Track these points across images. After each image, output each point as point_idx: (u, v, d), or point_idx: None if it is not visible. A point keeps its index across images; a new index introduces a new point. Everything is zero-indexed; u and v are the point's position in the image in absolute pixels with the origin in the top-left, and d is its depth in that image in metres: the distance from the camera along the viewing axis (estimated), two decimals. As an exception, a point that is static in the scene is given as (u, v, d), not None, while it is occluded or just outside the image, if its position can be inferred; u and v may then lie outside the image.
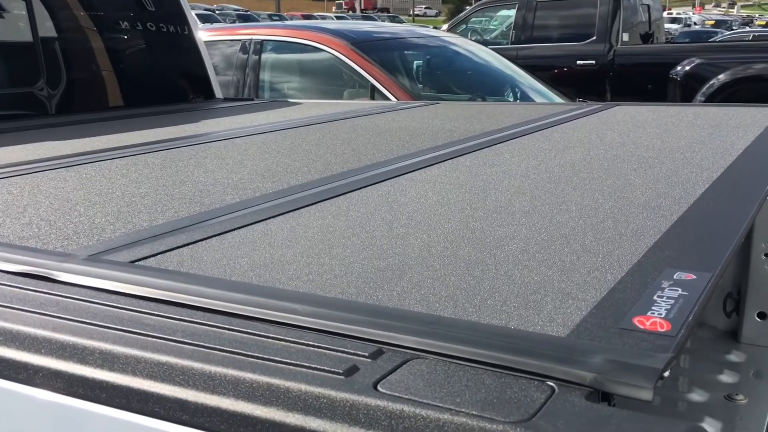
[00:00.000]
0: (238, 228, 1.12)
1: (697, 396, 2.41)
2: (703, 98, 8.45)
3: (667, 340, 0.68)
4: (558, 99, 5.64)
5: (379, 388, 0.62)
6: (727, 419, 2.23)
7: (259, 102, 3.48)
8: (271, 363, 0.66)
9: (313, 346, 0.69)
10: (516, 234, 1.06)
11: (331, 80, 5.48)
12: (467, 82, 5.84)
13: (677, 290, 0.81)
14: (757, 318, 2.63)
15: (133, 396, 0.67)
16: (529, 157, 1.68)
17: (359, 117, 2.62)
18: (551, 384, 0.62)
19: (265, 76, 5.58)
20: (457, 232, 1.08)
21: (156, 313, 0.78)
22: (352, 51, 5.25)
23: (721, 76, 8.81)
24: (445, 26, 13.21)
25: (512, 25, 10.72)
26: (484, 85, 5.87)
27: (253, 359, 0.67)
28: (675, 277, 0.85)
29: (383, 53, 5.44)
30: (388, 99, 4.68)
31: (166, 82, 3.43)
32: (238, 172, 1.58)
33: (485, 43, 11.63)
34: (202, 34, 5.99)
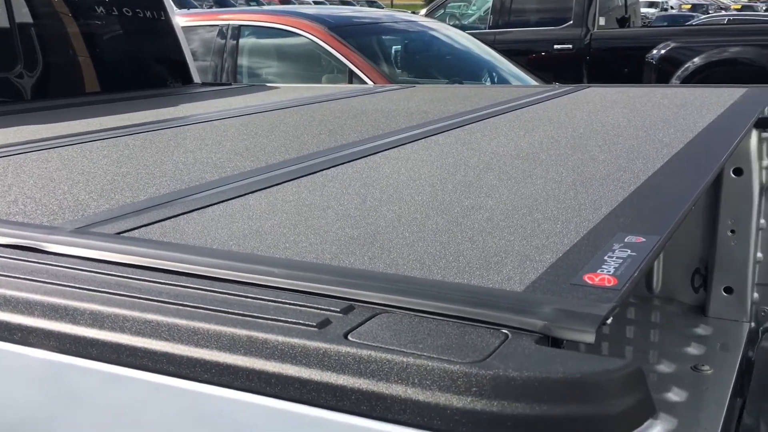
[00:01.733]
0: (218, 203, 1.17)
1: (665, 367, 2.50)
2: (678, 81, 8.57)
3: (612, 292, 0.74)
4: (534, 83, 5.71)
5: (349, 337, 0.67)
6: (692, 389, 2.33)
7: (236, 86, 3.51)
8: (250, 318, 0.72)
9: (289, 304, 0.74)
10: (482, 205, 1.12)
11: (309, 65, 5.51)
12: (444, 66, 5.89)
13: (627, 251, 0.87)
14: (723, 293, 2.72)
15: (123, 351, 0.73)
16: (499, 136, 1.74)
17: (336, 100, 2.66)
18: (506, 332, 0.68)
19: (243, 61, 5.59)
20: (426, 204, 1.14)
21: (142, 278, 0.83)
22: (330, 36, 5.28)
23: (696, 60, 8.93)
24: (423, 11, 13.22)
25: (490, 9, 10.76)
26: (461, 70, 5.93)
27: (233, 316, 0.72)
28: (626, 240, 0.92)
29: (361, 38, 5.47)
30: (365, 83, 4.72)
31: (143, 67, 3.45)
32: (217, 152, 1.63)
33: (463, 28, 11.65)
34: (179, 19, 5.99)
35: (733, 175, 2.63)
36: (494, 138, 1.71)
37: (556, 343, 0.67)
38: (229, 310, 0.73)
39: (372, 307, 0.74)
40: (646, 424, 0.60)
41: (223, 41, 5.61)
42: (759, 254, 2.65)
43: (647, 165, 1.34)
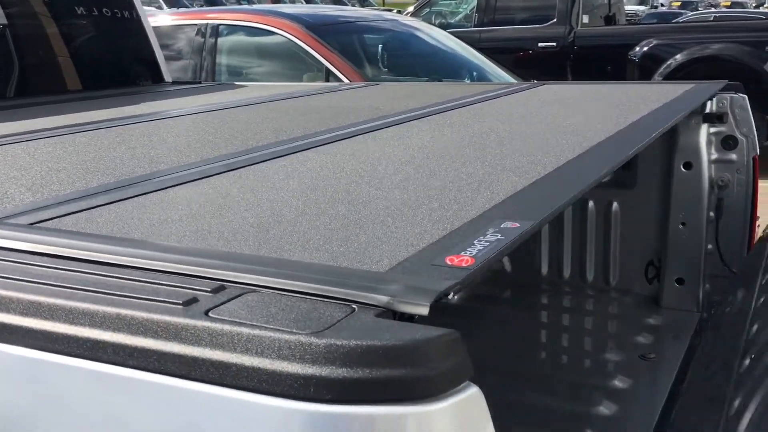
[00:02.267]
0: (138, 195, 1.23)
1: (614, 356, 2.57)
2: (660, 78, 8.63)
3: (462, 271, 0.80)
4: (512, 81, 5.77)
5: (210, 314, 0.73)
6: (638, 376, 2.40)
7: (205, 85, 3.56)
8: (124, 298, 0.77)
9: (165, 284, 0.80)
10: (386, 196, 1.18)
11: (286, 64, 5.55)
12: (422, 65, 5.94)
13: (497, 236, 0.93)
14: (675, 284, 2.79)
15: (5, 330, 0.79)
16: (433, 132, 1.80)
17: (295, 98, 2.72)
18: (354, 307, 0.74)
19: (222, 60, 5.64)
20: (335, 195, 1.20)
21: (32, 263, 0.89)
22: (307, 34, 5.33)
23: (679, 56, 8.98)
24: (411, 8, 13.24)
25: (475, 8, 10.81)
26: (439, 68, 5.98)
27: (109, 296, 0.78)
28: (502, 225, 0.98)
29: (338, 36, 5.52)
30: (342, 82, 4.78)
31: (112, 66, 3.50)
32: (157, 148, 1.68)
33: (449, 27, 11.70)
34: (164, 18, 6.04)
35: (683, 169, 2.70)
36: (426, 134, 1.77)
37: (403, 317, 0.73)
38: (106, 291, 0.79)
39: (242, 287, 0.80)
40: (462, 385, 0.66)
41: (203, 40, 5.66)
42: (709, 246, 2.72)
43: (558, 158, 1.40)
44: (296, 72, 5.47)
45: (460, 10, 12.74)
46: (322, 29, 5.42)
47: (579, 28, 9.92)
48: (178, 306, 0.75)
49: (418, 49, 6.17)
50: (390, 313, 0.73)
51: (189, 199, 1.20)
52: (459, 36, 9.75)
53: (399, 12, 12.07)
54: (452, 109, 2.24)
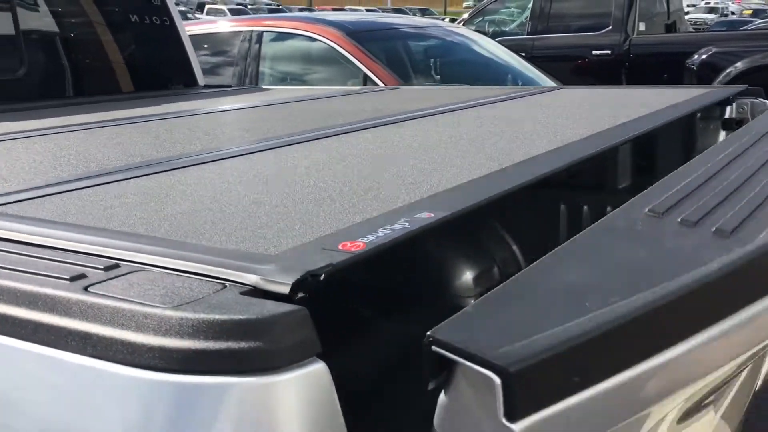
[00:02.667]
0: (105, 184, 1.28)
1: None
2: (718, 87, 8.39)
3: (343, 255, 0.82)
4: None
5: (89, 289, 0.77)
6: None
7: (234, 88, 3.65)
8: (20, 273, 0.82)
9: (62, 261, 0.84)
10: (326, 190, 1.20)
11: (327, 69, 5.63)
12: (462, 71, 5.93)
13: (405, 225, 0.94)
14: None
15: None
16: (415, 133, 1.81)
17: (306, 101, 2.77)
18: (226, 285, 0.76)
19: (265, 65, 5.75)
20: (277, 187, 1.22)
21: None
22: (346, 40, 5.39)
23: (739, 65, 8.71)
24: (465, 15, 13.18)
25: (529, 15, 10.70)
26: (479, 75, 5.96)
27: (6, 270, 0.83)
28: (416, 216, 0.98)
29: (378, 43, 5.56)
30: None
31: (146, 70, 3.62)
32: (141, 145, 1.75)
33: (503, 34, 11.61)
34: (223, 24, 6.19)
35: None
36: (408, 136, 1.79)
37: (270, 295, 0.75)
38: (6, 266, 0.83)
39: (133, 265, 0.83)
40: (308, 360, 0.68)
41: (248, 46, 5.79)
42: None
43: (520, 156, 1.40)
44: (336, 77, 5.54)
45: (515, 18, 12.64)
46: (361, 35, 5.48)
47: (635, 35, 9.71)
48: (65, 281, 0.79)
49: (459, 56, 6.17)
50: (259, 292, 0.75)
51: (147, 188, 1.24)
52: (511, 44, 9.68)
53: (452, 20, 12.07)
54: (453, 111, 2.24)
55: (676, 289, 0.74)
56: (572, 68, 9.76)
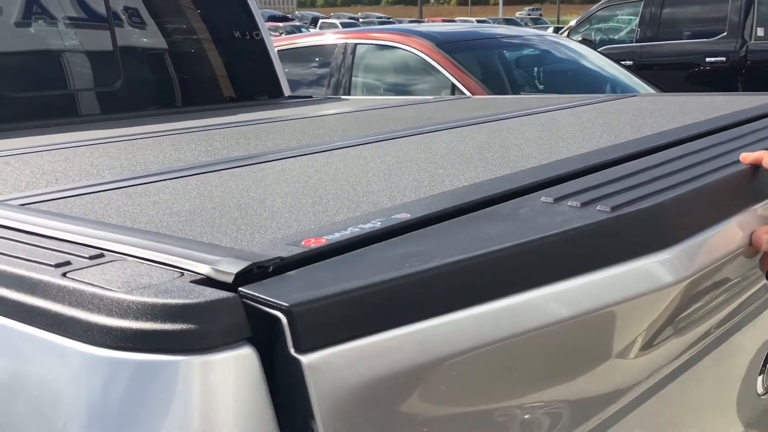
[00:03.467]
0: (133, 186, 1.39)
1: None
2: None
3: (298, 249, 0.87)
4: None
5: (67, 275, 0.85)
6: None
7: (314, 99, 3.77)
8: (10, 257, 0.92)
9: (52, 249, 0.94)
10: (299, 196, 1.24)
11: (416, 80, 5.70)
12: (554, 81, 5.85)
13: (376, 224, 0.98)
14: None
15: None
16: (431, 143, 1.81)
17: (375, 110, 2.83)
18: (183, 273, 0.83)
19: (358, 76, 5.89)
20: (266, 185, 1.30)
21: None
22: (436, 51, 5.44)
23: None
24: (573, 22, 12.89)
25: (638, 22, 10.35)
26: (572, 84, 5.85)
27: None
28: (392, 216, 1.02)
29: (468, 53, 5.58)
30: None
31: (232, 82, 3.81)
32: (181, 151, 1.87)
33: (609, 43, 11.29)
34: (329, 37, 6.39)
35: None
36: (434, 140, 1.82)
37: (218, 284, 0.80)
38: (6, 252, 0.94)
39: (114, 255, 0.91)
40: (237, 344, 0.73)
41: (342, 58, 5.95)
42: None
43: (518, 165, 1.40)
44: (426, 88, 5.60)
45: (622, 25, 12.27)
46: (451, 46, 5.52)
47: (752, 41, 9.22)
48: (50, 267, 0.88)
49: (553, 65, 6.08)
50: (210, 281, 0.81)
51: (173, 191, 1.34)
52: (618, 52, 9.40)
53: (556, 30, 11.85)
54: (495, 120, 2.23)
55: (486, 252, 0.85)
56: (684, 77, 9.38)
